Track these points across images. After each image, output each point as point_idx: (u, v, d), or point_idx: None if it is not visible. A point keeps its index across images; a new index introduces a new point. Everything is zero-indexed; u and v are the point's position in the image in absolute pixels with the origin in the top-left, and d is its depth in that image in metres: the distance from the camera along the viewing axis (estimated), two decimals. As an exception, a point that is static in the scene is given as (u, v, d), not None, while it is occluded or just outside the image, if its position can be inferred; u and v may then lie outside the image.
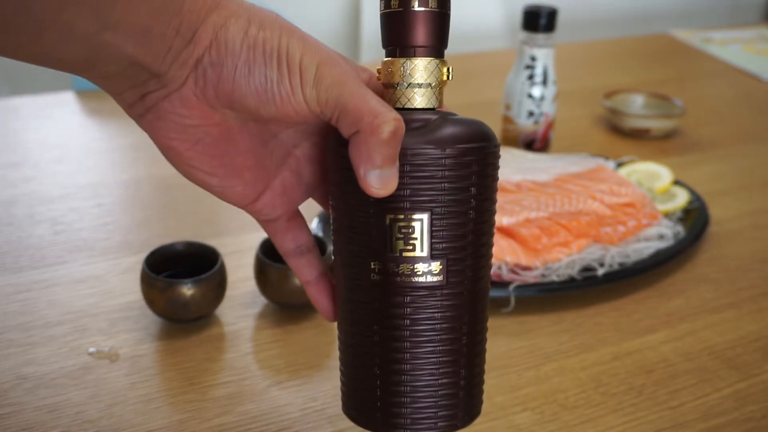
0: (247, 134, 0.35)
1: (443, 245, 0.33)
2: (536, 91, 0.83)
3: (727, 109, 1.09)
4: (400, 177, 0.32)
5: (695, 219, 0.72)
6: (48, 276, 0.63)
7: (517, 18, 0.85)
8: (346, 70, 0.33)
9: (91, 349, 0.55)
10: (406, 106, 0.34)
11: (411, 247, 0.33)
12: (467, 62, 1.29)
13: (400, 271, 0.33)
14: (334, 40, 1.97)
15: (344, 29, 1.97)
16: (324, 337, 0.58)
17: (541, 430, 0.50)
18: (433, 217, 0.33)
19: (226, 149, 0.35)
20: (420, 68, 0.34)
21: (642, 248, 0.66)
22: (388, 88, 0.35)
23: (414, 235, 0.33)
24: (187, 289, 0.55)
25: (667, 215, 0.73)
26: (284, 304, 0.59)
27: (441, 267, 0.33)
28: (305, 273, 0.39)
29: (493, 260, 0.63)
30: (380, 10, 0.35)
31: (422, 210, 0.33)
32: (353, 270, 0.35)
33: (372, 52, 1.97)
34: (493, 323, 0.60)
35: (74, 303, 0.60)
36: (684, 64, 1.29)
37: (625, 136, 0.97)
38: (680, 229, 0.70)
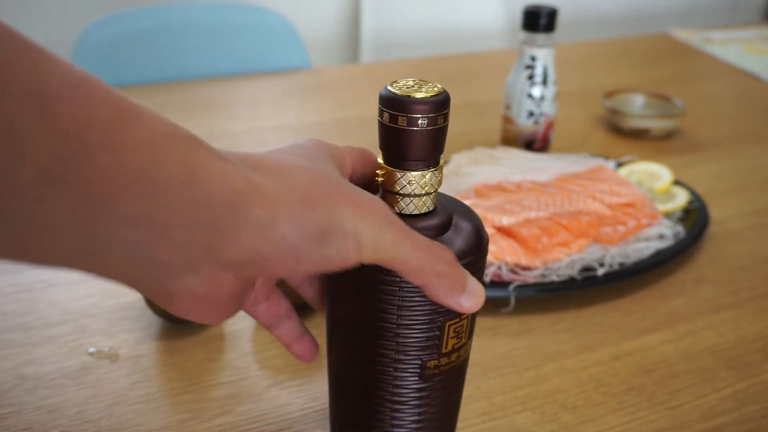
0: None
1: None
2: (536, 91, 0.83)
3: (727, 109, 1.09)
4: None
5: (695, 219, 0.72)
6: (48, 276, 0.63)
7: (517, 18, 0.85)
8: (396, 225, 0.32)
9: (91, 349, 0.55)
10: (404, 213, 0.36)
11: (459, 339, 0.38)
12: (467, 62, 1.29)
13: (452, 360, 0.38)
14: (334, 40, 1.97)
15: (344, 29, 1.97)
16: (324, 338, 0.58)
17: (541, 430, 0.50)
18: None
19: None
20: (417, 181, 0.35)
21: (642, 248, 0.66)
22: (386, 192, 0.36)
23: (462, 330, 0.38)
24: (187, 289, 0.55)
25: (667, 215, 0.73)
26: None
27: (470, 342, 0.40)
28: (287, 336, 0.40)
29: (494, 260, 0.63)
30: (378, 117, 0.35)
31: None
32: (399, 366, 0.37)
33: (372, 52, 1.97)
34: (493, 323, 0.60)
35: (74, 303, 0.60)
36: (684, 64, 1.29)
37: (625, 136, 0.97)
38: (680, 229, 0.70)
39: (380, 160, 0.36)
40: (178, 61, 1.24)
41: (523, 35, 0.82)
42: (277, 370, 0.54)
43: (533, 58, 0.82)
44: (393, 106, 0.33)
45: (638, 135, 0.96)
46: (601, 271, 0.63)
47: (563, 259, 0.63)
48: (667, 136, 0.97)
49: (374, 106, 1.06)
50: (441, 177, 0.36)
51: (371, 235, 0.31)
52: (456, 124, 1.00)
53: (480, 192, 0.71)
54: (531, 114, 0.84)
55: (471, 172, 0.74)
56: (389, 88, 0.34)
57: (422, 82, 0.34)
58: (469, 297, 0.34)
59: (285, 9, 1.52)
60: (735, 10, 2.32)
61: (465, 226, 0.36)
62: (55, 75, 0.24)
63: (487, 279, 0.62)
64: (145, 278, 0.28)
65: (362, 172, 0.38)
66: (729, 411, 0.52)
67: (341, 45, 1.98)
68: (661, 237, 0.69)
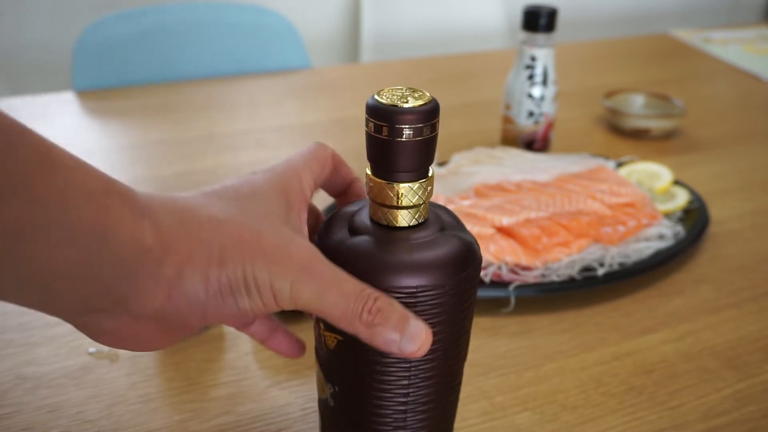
0: None
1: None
2: (536, 91, 0.83)
3: (727, 109, 1.09)
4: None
5: (695, 219, 0.72)
6: (48, 276, 0.63)
7: (517, 18, 0.85)
8: (320, 275, 0.31)
9: (91, 349, 0.55)
10: (392, 225, 0.35)
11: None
12: (467, 62, 1.29)
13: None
14: (334, 40, 1.97)
15: (344, 29, 1.97)
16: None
17: (541, 430, 0.50)
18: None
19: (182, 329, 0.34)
20: (406, 193, 0.34)
21: (642, 248, 0.66)
22: (375, 204, 0.35)
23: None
24: (187, 289, 0.55)
25: (667, 215, 0.73)
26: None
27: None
28: (260, 333, 0.40)
29: (494, 260, 0.63)
30: (365, 128, 0.34)
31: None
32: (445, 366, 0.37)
33: (372, 52, 1.97)
34: (493, 323, 0.60)
35: (74, 303, 0.60)
36: (684, 64, 1.29)
37: (625, 136, 0.97)
38: (680, 229, 0.70)
39: (368, 171, 0.35)
40: (178, 61, 1.24)
41: (523, 35, 0.82)
42: (277, 370, 0.54)
43: (533, 58, 0.82)
44: (379, 116, 0.32)
45: (638, 135, 0.96)
46: (601, 271, 0.63)
47: (563, 259, 0.63)
48: (667, 136, 0.97)
49: (374, 106, 1.06)
50: (431, 188, 0.35)
51: (287, 289, 0.31)
52: (456, 124, 1.00)
53: (480, 192, 0.71)
54: (531, 114, 0.84)
55: (471, 172, 0.74)
56: (376, 97, 0.33)
57: (411, 91, 0.33)
58: (410, 342, 0.32)
59: (285, 9, 1.52)
60: (735, 10, 2.32)
61: (457, 239, 0.35)
62: None
63: (487, 279, 0.62)
64: (65, 316, 0.29)
65: (323, 179, 0.38)
66: (729, 411, 0.52)
67: (341, 45, 1.99)
68: (661, 237, 0.69)
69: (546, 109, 0.84)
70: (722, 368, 0.56)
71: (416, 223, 0.35)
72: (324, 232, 0.36)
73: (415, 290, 0.33)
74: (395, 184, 0.34)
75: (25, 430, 0.48)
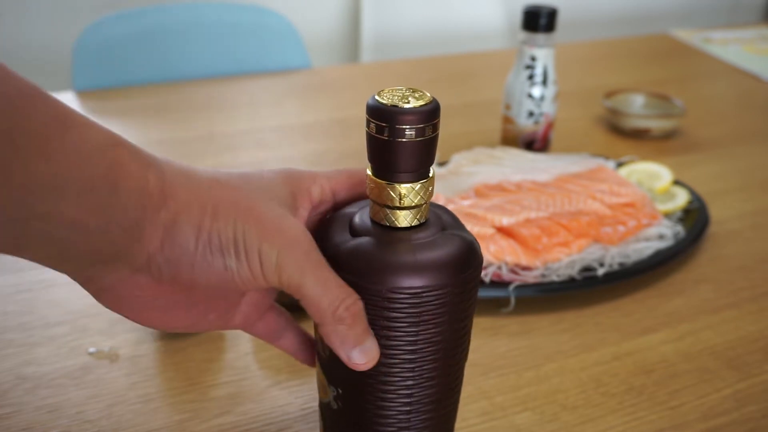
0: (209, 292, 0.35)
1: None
2: (536, 91, 0.83)
3: (727, 109, 1.09)
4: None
5: (695, 219, 0.72)
6: (48, 276, 0.63)
7: (517, 18, 0.85)
8: (308, 254, 0.32)
9: (91, 349, 0.55)
10: (393, 225, 0.35)
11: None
12: (467, 62, 1.29)
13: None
14: (334, 40, 1.97)
15: (344, 29, 1.97)
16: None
17: (541, 430, 0.50)
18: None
19: (186, 305, 0.34)
20: (407, 193, 0.34)
21: (642, 248, 0.66)
22: (376, 204, 0.35)
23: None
24: (187, 289, 0.55)
25: (667, 215, 0.73)
26: (284, 303, 0.59)
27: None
28: (289, 347, 0.41)
29: (494, 260, 0.63)
30: (366, 129, 0.34)
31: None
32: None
33: (372, 52, 1.97)
34: (493, 323, 0.60)
35: (74, 303, 0.60)
36: (684, 64, 1.29)
37: (625, 136, 0.97)
38: (680, 229, 0.70)
39: (369, 172, 0.35)
40: (178, 61, 1.24)
41: (523, 35, 0.82)
42: (277, 370, 0.54)
43: (533, 58, 0.82)
44: (379, 116, 0.32)
45: (638, 135, 0.96)
46: (601, 271, 0.63)
47: (563, 259, 0.63)
48: (667, 136, 0.97)
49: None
50: (432, 188, 0.35)
51: (273, 257, 0.31)
52: (456, 124, 1.00)
53: (480, 192, 0.71)
54: (531, 114, 0.84)
55: (471, 172, 0.74)
56: (376, 97, 0.33)
57: (412, 91, 0.33)
58: (361, 354, 0.33)
59: (285, 9, 1.52)
60: (735, 10, 2.32)
61: (458, 238, 0.35)
62: (1, 85, 0.26)
63: (486, 279, 0.62)
64: (73, 269, 0.31)
65: (349, 194, 0.38)
66: (729, 411, 0.52)
67: (341, 45, 1.99)
68: (661, 237, 0.69)
69: (546, 109, 0.84)
70: (722, 368, 0.56)
71: (417, 223, 0.35)
72: (324, 233, 0.36)
73: (420, 290, 0.33)
74: (396, 185, 0.34)
75: (25, 430, 0.48)
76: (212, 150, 0.91)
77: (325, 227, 0.36)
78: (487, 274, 0.62)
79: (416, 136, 0.32)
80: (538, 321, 0.61)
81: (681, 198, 0.75)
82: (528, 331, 0.59)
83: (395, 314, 0.34)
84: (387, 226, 0.35)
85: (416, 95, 0.33)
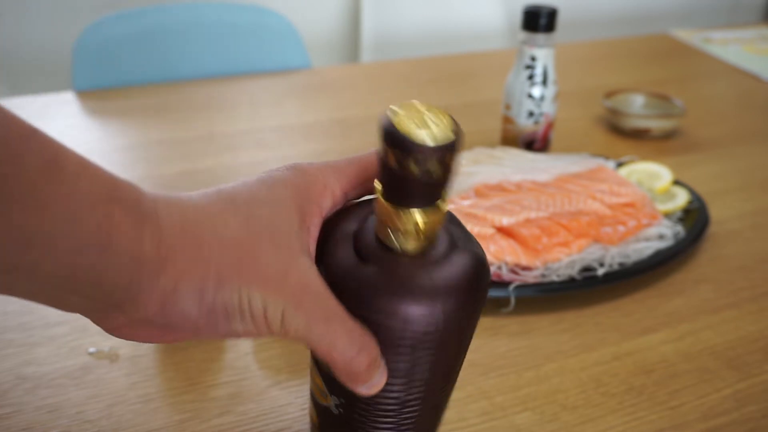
0: None
1: None
2: (536, 91, 0.83)
3: (727, 109, 1.09)
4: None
5: (695, 219, 0.72)
6: (48, 276, 0.63)
7: (517, 18, 0.85)
8: (314, 305, 0.31)
9: (91, 349, 0.55)
10: (403, 248, 0.33)
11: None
12: (467, 62, 1.29)
13: None
14: (334, 40, 1.97)
15: (344, 29, 1.97)
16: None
17: (541, 430, 0.50)
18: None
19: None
20: (422, 220, 0.31)
21: (642, 248, 0.66)
22: (385, 227, 0.33)
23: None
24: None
25: (667, 215, 0.73)
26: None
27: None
28: None
29: (494, 260, 0.63)
30: (378, 155, 0.31)
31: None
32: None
33: (372, 52, 1.97)
34: (493, 323, 0.60)
35: (74, 303, 0.60)
36: (684, 64, 1.29)
37: (625, 136, 0.97)
38: (680, 229, 0.70)
39: (378, 192, 0.32)
40: (178, 61, 1.24)
41: (523, 35, 0.82)
42: (277, 370, 0.54)
43: (533, 58, 0.82)
44: (397, 147, 0.29)
45: (638, 135, 0.96)
46: (601, 271, 0.63)
47: (563, 259, 0.63)
48: (667, 136, 0.97)
49: (374, 106, 1.06)
50: (445, 211, 0.33)
51: (279, 312, 0.31)
52: (456, 124, 1.00)
53: (480, 192, 0.71)
54: (531, 114, 0.84)
55: (471, 172, 0.74)
56: (393, 121, 0.29)
57: (429, 112, 0.30)
58: (368, 388, 0.33)
59: (285, 9, 1.52)
60: (735, 10, 2.32)
61: (469, 257, 0.33)
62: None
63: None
64: (71, 311, 0.30)
65: (361, 191, 0.36)
66: (729, 411, 0.52)
67: (341, 45, 1.99)
68: (661, 237, 0.69)
69: (546, 109, 0.84)
70: (722, 368, 0.56)
71: (426, 245, 0.33)
72: (326, 249, 0.34)
73: (433, 325, 0.32)
74: (411, 212, 0.31)
75: (25, 430, 0.48)
76: (212, 150, 0.91)
77: (326, 239, 0.34)
78: (487, 274, 0.62)
79: (438, 170, 0.29)
80: (538, 321, 0.61)
81: (681, 198, 0.75)
82: (528, 331, 0.59)
83: (406, 344, 0.33)
84: (395, 250, 0.33)
85: (435, 119, 0.30)
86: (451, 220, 0.36)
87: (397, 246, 0.33)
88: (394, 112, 0.30)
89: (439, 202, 0.32)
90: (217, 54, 1.26)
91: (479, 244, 0.35)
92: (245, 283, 0.30)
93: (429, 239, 0.33)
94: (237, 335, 0.32)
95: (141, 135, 0.95)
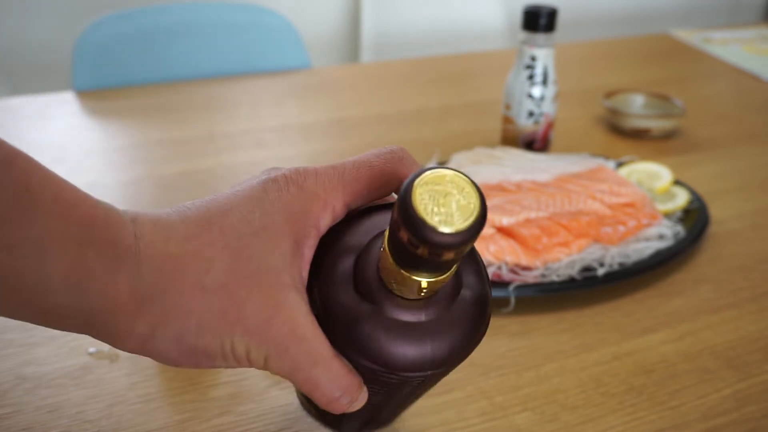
0: None
1: None
2: (536, 91, 0.83)
3: (728, 109, 1.09)
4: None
5: (695, 219, 0.72)
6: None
7: (517, 18, 0.85)
8: (298, 352, 0.30)
9: (91, 349, 0.55)
10: (405, 298, 0.31)
11: None
12: (467, 62, 1.29)
13: None
14: (334, 40, 1.97)
15: (344, 29, 1.97)
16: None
17: (541, 430, 0.50)
18: None
19: None
20: (423, 284, 0.29)
21: (642, 248, 0.66)
22: (386, 273, 0.30)
23: None
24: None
25: (668, 215, 0.73)
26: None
27: None
28: None
29: (494, 260, 0.63)
30: (391, 219, 0.28)
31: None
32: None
33: (372, 52, 1.97)
34: (493, 323, 0.60)
35: (74, 303, 0.60)
36: (684, 64, 1.29)
37: (625, 136, 0.97)
38: (680, 229, 0.70)
39: (386, 252, 0.29)
40: (178, 61, 1.24)
41: (523, 35, 0.82)
42: (277, 370, 0.54)
43: (533, 58, 0.82)
44: (408, 226, 0.26)
45: (638, 135, 0.96)
46: (601, 271, 0.63)
47: (563, 259, 0.63)
48: (667, 136, 0.97)
49: (374, 106, 1.06)
50: (453, 274, 0.30)
51: (261, 360, 0.31)
52: (456, 124, 1.00)
53: (480, 192, 0.70)
54: (531, 114, 0.84)
55: (471, 172, 0.74)
56: (412, 191, 0.26)
57: (456, 189, 0.27)
58: (352, 405, 0.33)
59: (285, 9, 1.52)
60: (735, 10, 2.32)
61: (465, 310, 0.32)
62: None
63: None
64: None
65: (365, 202, 0.34)
66: (729, 411, 0.52)
67: (341, 45, 1.98)
68: (661, 237, 0.69)
69: (546, 109, 0.84)
70: (722, 368, 0.56)
71: (430, 296, 0.31)
72: (323, 267, 0.32)
73: (428, 375, 0.32)
74: (421, 280, 0.29)
75: (25, 430, 0.48)
76: (212, 150, 0.91)
77: (324, 253, 0.33)
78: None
79: (451, 256, 0.27)
80: (538, 321, 0.61)
81: (681, 198, 0.75)
82: (528, 331, 0.59)
83: (391, 383, 0.33)
84: (395, 292, 0.31)
85: (460, 198, 0.26)
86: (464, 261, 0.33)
87: (397, 294, 0.31)
88: (416, 185, 0.26)
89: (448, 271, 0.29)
90: (217, 54, 1.26)
91: (486, 277, 0.33)
92: (227, 332, 0.30)
93: (431, 294, 0.31)
94: (219, 368, 0.32)
95: (141, 135, 0.95)
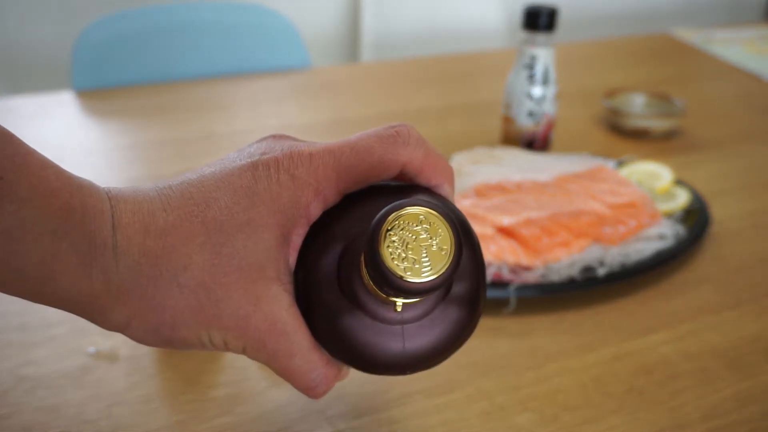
0: None
1: None
2: (536, 91, 0.83)
3: (728, 109, 1.09)
4: None
5: (696, 219, 0.72)
6: (47, 276, 0.63)
7: (517, 18, 0.85)
8: (278, 345, 0.31)
9: (91, 350, 0.55)
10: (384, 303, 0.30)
11: None
12: (467, 62, 1.29)
13: None
14: (334, 40, 1.97)
15: (344, 29, 1.97)
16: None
17: (541, 430, 0.50)
18: None
19: None
20: (399, 305, 0.29)
21: (642, 248, 0.66)
22: (375, 297, 0.30)
23: None
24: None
25: (668, 215, 0.73)
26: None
27: None
28: None
29: (494, 260, 0.63)
30: (362, 257, 0.28)
31: None
32: None
33: (372, 52, 1.97)
34: (493, 324, 0.60)
35: (74, 303, 0.60)
36: (685, 64, 1.29)
37: (625, 136, 0.97)
38: (681, 229, 0.70)
39: (364, 272, 0.28)
40: (178, 61, 1.24)
41: (523, 35, 0.82)
42: (277, 370, 0.54)
43: (533, 58, 0.82)
44: (376, 273, 0.26)
45: (638, 135, 0.96)
46: (601, 272, 0.63)
47: (564, 260, 0.63)
48: (667, 136, 0.97)
49: (374, 106, 1.06)
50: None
51: (239, 350, 0.31)
52: (456, 124, 1.00)
53: (480, 192, 0.70)
54: (531, 114, 0.84)
55: (471, 172, 0.74)
56: (380, 241, 0.25)
57: (428, 234, 0.26)
58: (324, 395, 0.33)
59: (285, 9, 1.52)
60: (736, 9, 2.32)
61: (448, 322, 0.31)
62: None
63: (487, 279, 0.62)
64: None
65: (363, 184, 0.32)
66: (729, 411, 0.51)
67: (341, 45, 1.98)
68: (661, 237, 0.69)
69: (546, 109, 0.84)
70: (723, 368, 0.56)
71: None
72: (309, 272, 0.32)
73: (401, 371, 0.32)
74: (396, 300, 0.29)
75: (24, 430, 0.48)
76: (212, 150, 0.91)
77: (308, 254, 0.32)
78: (487, 275, 0.62)
79: (420, 298, 0.27)
80: (538, 321, 0.60)
81: (681, 198, 0.75)
82: (528, 332, 0.59)
83: (368, 372, 0.33)
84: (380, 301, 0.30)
85: (432, 245, 0.26)
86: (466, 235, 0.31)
87: (383, 303, 0.30)
88: (384, 229, 0.26)
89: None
90: (217, 54, 1.26)
91: (482, 278, 0.32)
92: (204, 327, 0.30)
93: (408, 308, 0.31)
94: (199, 350, 0.32)
95: (141, 135, 0.95)
